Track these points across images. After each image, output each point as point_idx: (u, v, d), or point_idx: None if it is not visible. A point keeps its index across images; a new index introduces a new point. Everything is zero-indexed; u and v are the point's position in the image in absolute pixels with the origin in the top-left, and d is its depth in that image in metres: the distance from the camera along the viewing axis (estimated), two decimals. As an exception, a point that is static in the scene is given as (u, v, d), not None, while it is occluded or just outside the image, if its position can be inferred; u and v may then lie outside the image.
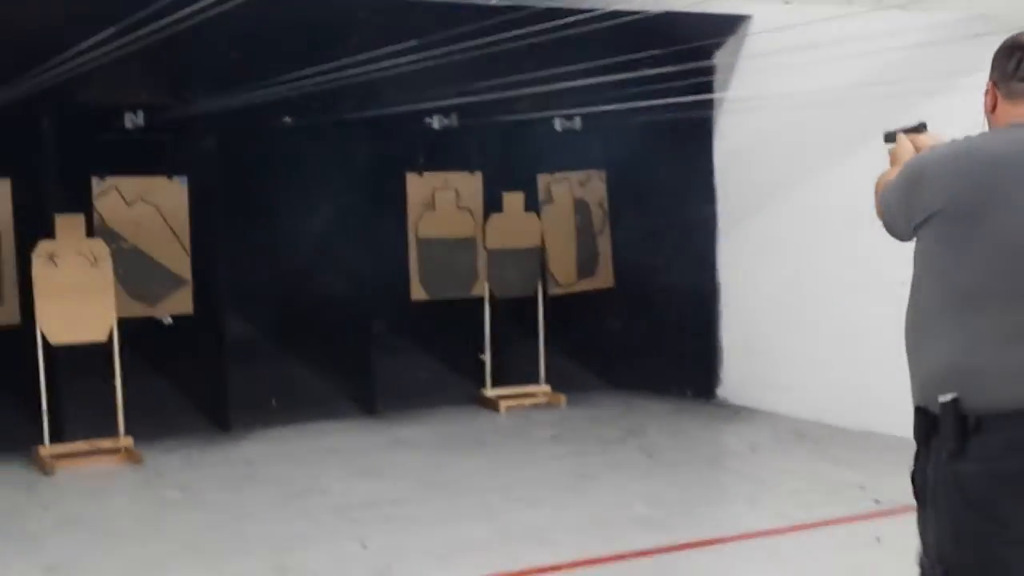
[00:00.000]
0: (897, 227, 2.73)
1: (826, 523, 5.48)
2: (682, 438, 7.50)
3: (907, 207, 2.65)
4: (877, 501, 5.78)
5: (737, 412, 8.20)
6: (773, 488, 6.15)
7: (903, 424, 7.37)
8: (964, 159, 2.60)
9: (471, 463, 7.00)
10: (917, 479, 2.63)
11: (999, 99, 2.69)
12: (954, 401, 2.48)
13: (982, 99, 2.77)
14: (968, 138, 2.69)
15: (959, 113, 6.81)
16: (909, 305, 2.66)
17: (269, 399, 8.40)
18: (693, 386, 8.73)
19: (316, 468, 6.95)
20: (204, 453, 7.36)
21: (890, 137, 3.17)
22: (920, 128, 3.12)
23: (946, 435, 2.49)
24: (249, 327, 8.78)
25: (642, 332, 9.03)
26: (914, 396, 2.63)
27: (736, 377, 8.57)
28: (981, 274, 2.51)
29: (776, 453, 6.99)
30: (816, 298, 7.88)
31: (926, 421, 2.56)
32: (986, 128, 2.77)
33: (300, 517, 5.89)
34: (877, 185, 2.91)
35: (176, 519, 5.96)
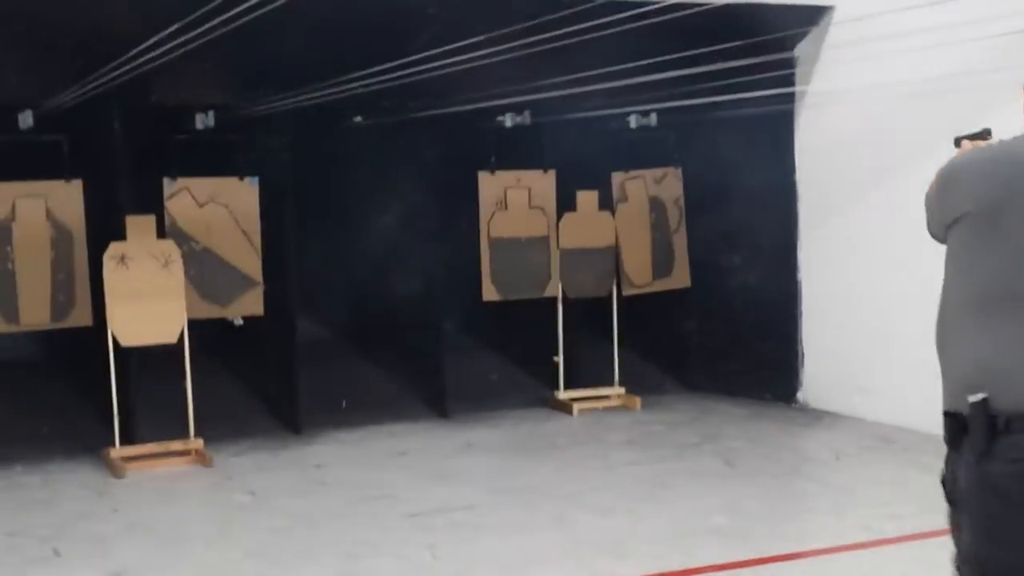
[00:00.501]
0: (934, 228, 2.79)
1: (916, 537, 5.21)
2: (762, 444, 7.26)
3: (941, 209, 2.70)
4: (970, 514, 5.50)
5: (818, 417, 7.94)
6: (860, 498, 5.90)
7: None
8: (995, 162, 2.65)
9: (543, 468, 6.84)
10: (947, 482, 2.69)
11: None
12: (983, 401, 2.50)
13: (1022, 98, 2.78)
14: (1002, 142, 2.72)
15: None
16: (939, 306, 2.72)
17: (340, 401, 8.32)
18: (772, 390, 8.48)
19: (386, 472, 6.85)
20: (274, 456, 7.29)
21: (958, 143, 3.09)
22: (984, 135, 3.05)
23: (975, 436, 2.52)
24: (320, 328, 8.72)
25: (719, 334, 8.80)
26: (944, 400, 2.67)
27: (817, 381, 8.30)
28: (1006, 275, 2.54)
29: (862, 461, 6.73)
30: (902, 300, 7.58)
31: (956, 424, 2.60)
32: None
33: (369, 523, 5.78)
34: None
35: (245, 523, 5.88)
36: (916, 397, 7.63)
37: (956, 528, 2.69)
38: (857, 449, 6.99)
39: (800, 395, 8.35)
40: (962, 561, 2.64)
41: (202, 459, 7.09)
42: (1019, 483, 2.49)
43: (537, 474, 6.71)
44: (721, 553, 5.15)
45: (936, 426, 7.41)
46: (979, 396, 2.52)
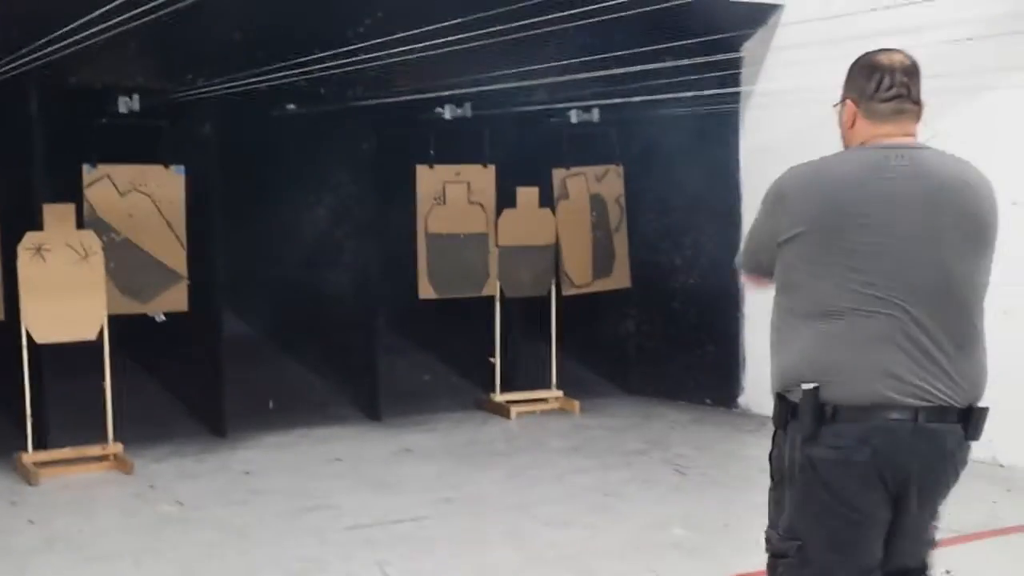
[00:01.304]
0: (761, 255, 2.89)
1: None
2: (710, 452, 7.08)
3: (773, 227, 2.81)
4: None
5: (762, 423, 7.73)
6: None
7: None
8: (821, 183, 2.76)
9: (488, 477, 6.55)
10: (774, 459, 2.86)
11: (858, 117, 2.81)
12: (815, 390, 2.69)
13: (838, 113, 2.89)
14: (825, 160, 2.83)
15: (1006, 110, 6.49)
16: (775, 305, 2.89)
17: (266, 402, 7.95)
18: (713, 394, 8.32)
19: (322, 480, 6.50)
20: (199, 461, 6.89)
21: None
22: None
23: (804, 420, 2.71)
24: (246, 325, 8.34)
25: (659, 336, 8.62)
26: (774, 384, 2.87)
27: (758, 386, 8.12)
28: (839, 289, 2.69)
29: (813, 470, 6.56)
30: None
31: (785, 407, 2.79)
32: (842, 144, 2.91)
33: (311, 536, 5.43)
34: None
35: (174, 537, 5.48)
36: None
37: (775, 502, 2.89)
38: (806, 457, 6.82)
39: (741, 400, 8.20)
40: (782, 534, 2.83)
41: (122, 465, 6.66)
42: (839, 467, 2.69)
43: (482, 483, 6.42)
44: (686, 568, 4.94)
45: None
46: (811, 385, 2.70)
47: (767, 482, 6.34)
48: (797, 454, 2.75)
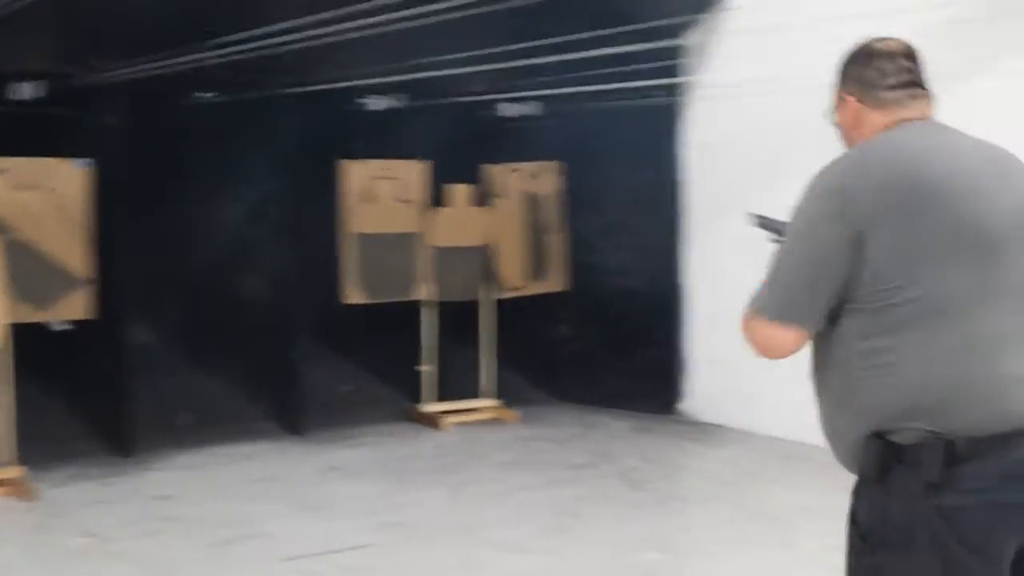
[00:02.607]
0: (808, 290, 2.32)
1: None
2: (660, 463, 6.68)
3: (834, 235, 2.27)
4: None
5: (706, 431, 7.42)
6: (798, 528, 5.34)
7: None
8: (882, 161, 2.33)
9: (430, 496, 6.04)
10: (864, 518, 2.29)
11: (863, 111, 2.47)
12: (937, 423, 2.19)
13: (838, 115, 2.55)
14: (864, 146, 2.42)
15: (971, 100, 6.23)
16: (836, 337, 2.33)
17: (175, 418, 7.31)
18: (653, 401, 7.91)
19: (246, 504, 5.92)
20: (107, 485, 6.24)
21: (765, 224, 2.72)
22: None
23: (929, 464, 2.18)
24: (154, 334, 7.65)
25: (597, 341, 8.18)
26: (862, 421, 2.27)
27: (701, 392, 7.79)
28: (951, 279, 2.22)
29: (776, 481, 6.21)
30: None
31: (884, 451, 2.23)
32: (844, 143, 2.53)
33: (242, 571, 4.88)
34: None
35: None
36: (810, 409, 7.26)
37: (874, 570, 2.28)
38: (762, 468, 6.48)
39: (683, 406, 7.83)
40: None
41: (21, 491, 5.98)
42: (981, 515, 2.18)
43: (425, 504, 5.91)
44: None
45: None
46: (925, 419, 2.20)
47: (730, 495, 6.08)
48: (917, 508, 2.20)
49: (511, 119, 7.86)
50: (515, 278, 7.96)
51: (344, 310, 7.56)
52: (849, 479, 6.13)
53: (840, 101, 2.53)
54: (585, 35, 6.78)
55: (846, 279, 2.29)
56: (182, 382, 7.65)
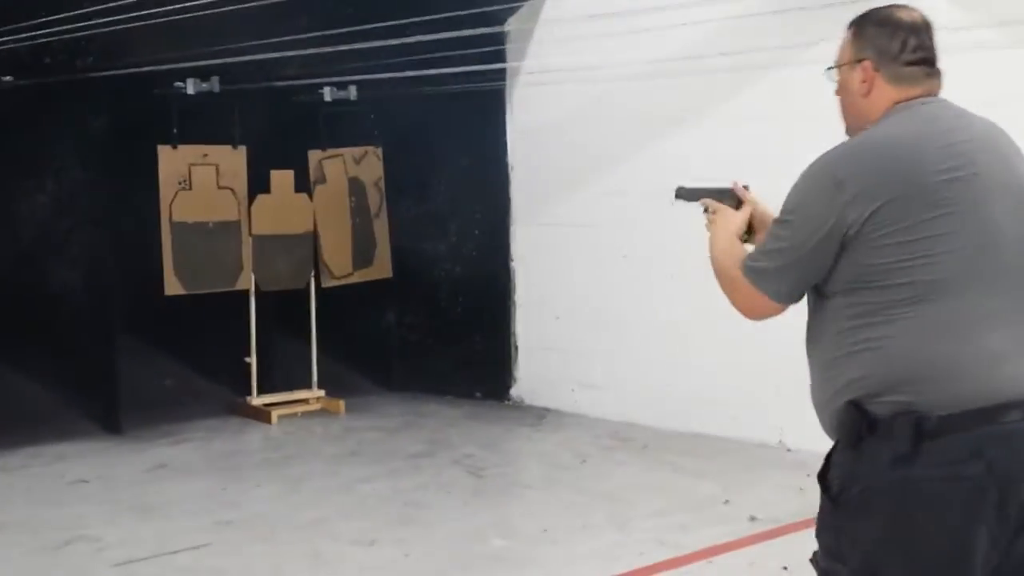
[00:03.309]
0: (797, 271, 2.35)
1: (715, 550, 4.81)
2: (497, 450, 6.68)
3: (830, 224, 2.28)
4: (753, 518, 5.19)
5: (539, 415, 7.47)
6: (633, 507, 5.43)
7: (731, 426, 6.85)
8: (880, 149, 2.32)
9: (266, 492, 5.87)
10: (835, 481, 2.32)
11: (878, 80, 2.41)
12: (914, 398, 2.22)
13: (844, 77, 2.47)
14: (868, 132, 2.39)
15: (784, 90, 6.43)
16: (832, 309, 2.34)
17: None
18: (483, 387, 7.93)
19: (70, 506, 5.62)
20: (-87, 493, 5.84)
21: (687, 195, 2.71)
22: (724, 195, 2.64)
23: (899, 437, 2.21)
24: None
25: (423, 328, 8.14)
26: (844, 391, 2.30)
27: (531, 376, 7.84)
28: (942, 260, 2.25)
29: (611, 463, 6.29)
30: (622, 291, 7.27)
31: (860, 419, 2.26)
32: (843, 110, 2.51)
33: (76, 578, 4.63)
34: (721, 259, 2.53)
35: (-100, 592, 4.54)
36: (641, 391, 7.39)
37: (834, 529, 2.33)
38: (598, 450, 6.56)
39: (514, 392, 7.86)
40: (840, 566, 2.30)
41: None
42: (944, 486, 2.20)
43: (260, 499, 5.74)
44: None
45: (667, 421, 7.18)
46: (902, 394, 2.23)
47: (569, 479, 6.12)
48: (884, 476, 2.23)
49: (332, 104, 7.70)
50: (340, 266, 7.82)
51: (165, 302, 7.27)
52: (672, 458, 6.30)
53: (855, 65, 2.44)
54: (408, 20, 6.71)
55: (821, 270, 2.32)
56: (-9, 382, 7.22)
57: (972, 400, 2.21)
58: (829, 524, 2.35)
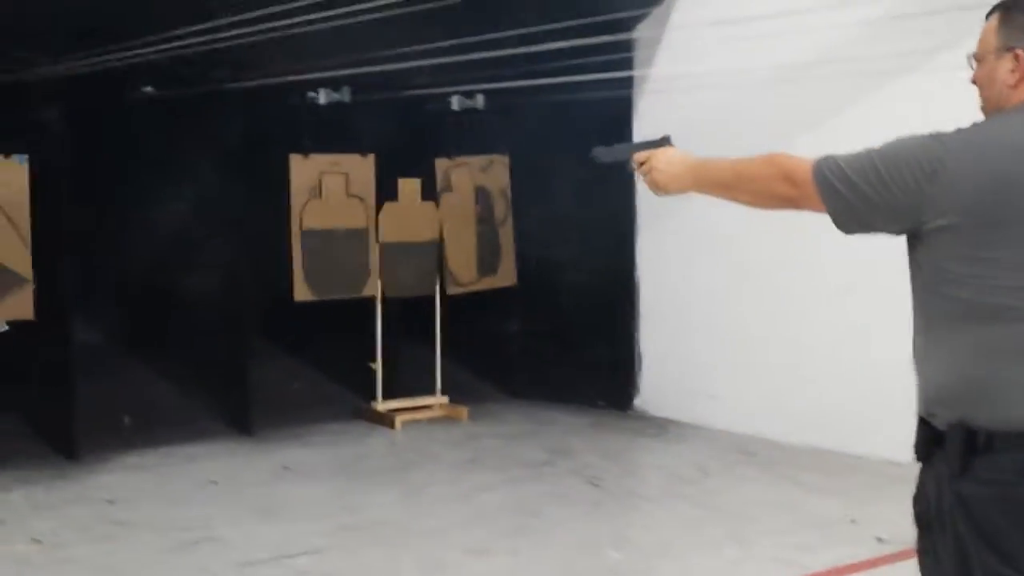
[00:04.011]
0: (865, 216, 2.27)
1: (839, 571, 4.69)
2: (618, 460, 6.65)
3: (907, 201, 2.20)
4: (880, 539, 5.04)
5: (662, 426, 7.39)
6: (754, 524, 5.33)
7: (858, 441, 6.64)
8: (989, 158, 2.18)
9: (385, 498, 5.94)
10: (917, 501, 2.32)
11: None
12: (965, 414, 2.19)
13: (989, 67, 2.30)
14: (994, 125, 2.27)
15: (916, 96, 6.23)
16: (920, 303, 2.30)
17: (121, 418, 7.14)
18: (606, 396, 7.89)
19: (198, 507, 5.78)
20: (52, 489, 6.07)
21: (606, 156, 2.83)
22: (664, 142, 2.67)
23: (951, 450, 2.19)
24: (99, 333, 7.48)
25: (548, 336, 8.13)
26: (919, 406, 2.31)
27: (655, 386, 7.76)
28: (1009, 284, 2.16)
29: (734, 477, 6.19)
30: (748, 301, 7.14)
31: (928, 434, 2.26)
32: (985, 102, 2.36)
33: (197, 577, 4.75)
34: (752, 166, 2.46)
35: (37, 585, 4.72)
36: (766, 404, 7.26)
37: (927, 553, 2.30)
38: (721, 464, 6.46)
39: (637, 402, 7.80)
40: None
41: (-37, 498, 5.81)
42: (994, 506, 2.15)
43: (381, 505, 5.81)
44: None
45: (791, 435, 7.02)
46: (958, 409, 2.20)
47: (689, 492, 6.05)
48: (946, 492, 2.21)
49: (460, 113, 7.77)
50: (466, 274, 7.88)
51: (295, 308, 7.43)
52: (797, 474, 6.14)
53: (1003, 53, 2.28)
54: (536, 29, 6.72)
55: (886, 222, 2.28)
56: (128, 382, 7.49)
57: (1020, 423, 2.15)
58: (917, 546, 2.32)
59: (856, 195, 2.26)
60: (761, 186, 2.44)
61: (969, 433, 2.17)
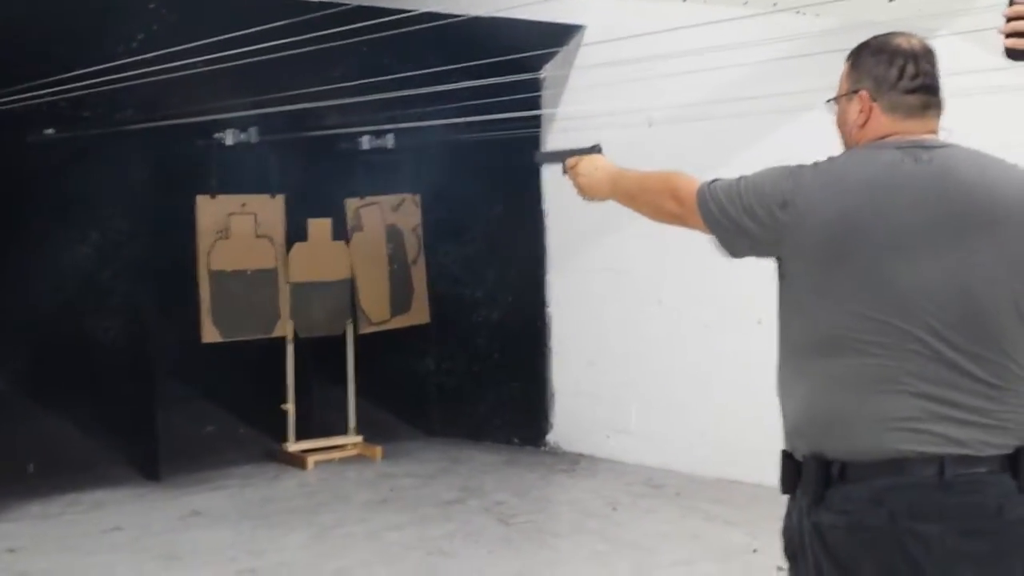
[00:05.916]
0: (735, 240, 2.41)
1: (739, 602, 4.74)
2: (529, 497, 6.64)
3: (758, 230, 2.34)
4: (780, 568, 5.07)
5: (575, 461, 7.42)
6: (658, 556, 5.37)
7: (765, 472, 6.74)
8: (835, 193, 2.28)
9: (293, 539, 5.88)
10: (785, 531, 2.39)
11: (876, 112, 2.35)
12: (818, 445, 2.26)
13: (842, 109, 2.43)
14: (845, 160, 2.37)
15: (817, 131, 6.38)
16: (779, 345, 2.39)
17: (25, 466, 7.01)
18: (520, 433, 7.90)
19: (101, 555, 5.68)
20: (-49, 539, 5.93)
21: (548, 158, 2.96)
22: (594, 150, 2.87)
23: (807, 482, 2.26)
24: (1, 379, 7.34)
25: (461, 373, 8.14)
26: (784, 440, 2.38)
27: (568, 422, 7.79)
28: (845, 316, 2.23)
29: (641, 511, 6.23)
30: (657, 336, 7.22)
31: (791, 467, 2.33)
32: (843, 143, 2.47)
33: (95, 628, 4.67)
34: (650, 181, 2.68)
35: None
36: (676, 437, 7.33)
37: None
38: (630, 497, 6.50)
39: (550, 438, 7.82)
40: None
41: None
42: (849, 536, 2.20)
43: (287, 547, 5.75)
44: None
45: (701, 467, 7.11)
46: (813, 440, 2.28)
47: (598, 527, 6.07)
48: (806, 523, 2.26)
49: (370, 152, 7.79)
50: (378, 312, 7.87)
51: (205, 350, 7.35)
52: (704, 505, 6.20)
53: (852, 95, 2.38)
54: (444, 68, 6.77)
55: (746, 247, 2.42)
56: (31, 429, 7.34)
57: (866, 453, 2.20)
58: None
59: (727, 219, 2.39)
60: (654, 200, 2.60)
61: (823, 464, 2.23)
